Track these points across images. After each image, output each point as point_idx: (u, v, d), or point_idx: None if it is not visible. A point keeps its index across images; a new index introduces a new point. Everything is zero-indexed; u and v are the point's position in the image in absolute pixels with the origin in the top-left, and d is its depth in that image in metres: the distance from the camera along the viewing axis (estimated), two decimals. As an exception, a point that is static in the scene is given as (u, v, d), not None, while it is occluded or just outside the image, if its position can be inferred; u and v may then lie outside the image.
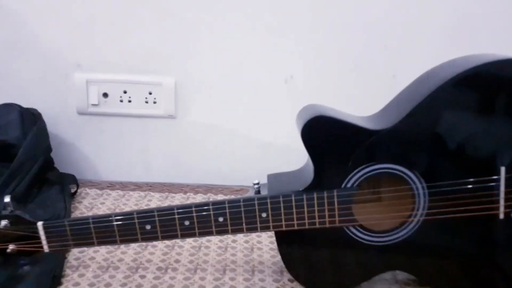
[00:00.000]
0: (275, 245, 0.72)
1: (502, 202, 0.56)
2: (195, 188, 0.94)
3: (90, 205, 0.84)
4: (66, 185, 0.86)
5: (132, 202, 0.87)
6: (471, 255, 0.59)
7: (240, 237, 0.75)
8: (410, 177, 0.56)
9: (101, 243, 0.58)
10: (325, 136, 0.56)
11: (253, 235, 0.75)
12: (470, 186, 0.56)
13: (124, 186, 0.93)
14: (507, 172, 0.55)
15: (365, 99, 0.65)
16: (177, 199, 0.89)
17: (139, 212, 0.57)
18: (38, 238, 0.58)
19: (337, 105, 0.62)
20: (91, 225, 0.57)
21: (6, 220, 0.58)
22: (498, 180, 0.56)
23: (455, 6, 0.88)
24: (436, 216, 0.57)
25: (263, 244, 0.73)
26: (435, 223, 0.57)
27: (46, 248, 0.58)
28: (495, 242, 0.59)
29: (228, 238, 0.74)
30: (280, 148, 0.94)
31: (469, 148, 0.56)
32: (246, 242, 0.73)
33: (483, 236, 0.58)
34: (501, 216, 0.56)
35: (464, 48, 0.65)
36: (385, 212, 0.58)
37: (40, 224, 0.58)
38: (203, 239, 0.73)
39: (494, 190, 0.56)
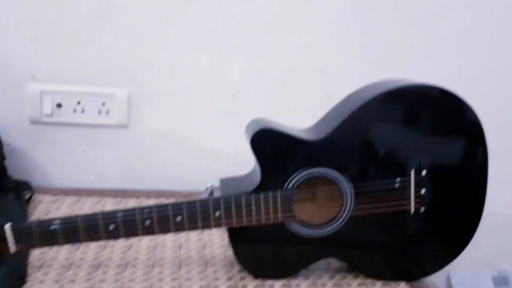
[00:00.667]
0: (225, 242, 0.80)
1: (412, 198, 0.69)
2: (147, 193, 1.00)
3: (46, 210, 0.88)
4: (21, 192, 0.89)
5: (87, 208, 0.91)
6: (390, 245, 0.71)
7: (192, 236, 0.82)
8: (339, 179, 0.67)
9: (66, 242, 0.63)
10: (270, 145, 0.65)
11: (205, 234, 0.83)
12: (387, 185, 0.68)
13: (78, 192, 0.97)
14: (415, 174, 0.68)
15: (302, 114, 0.76)
16: (131, 204, 0.94)
17: (103, 213, 0.63)
18: (5, 240, 0.62)
19: (278, 117, 0.72)
20: (58, 226, 0.62)
21: (-28, 224, 0.61)
22: (409, 181, 0.68)
23: (380, 34, 1.02)
24: (360, 211, 0.68)
25: (214, 242, 0.81)
26: (360, 217, 0.68)
27: (12, 249, 0.62)
28: (408, 233, 0.71)
29: (182, 237, 0.81)
30: (228, 155, 1.03)
31: (386, 154, 0.67)
32: (199, 240, 0.81)
33: (399, 227, 0.70)
34: (412, 210, 0.69)
35: (386, 72, 0.78)
36: (320, 208, 0.69)
37: (7, 226, 0.62)
38: (159, 239, 0.80)
39: (406, 188, 0.68)
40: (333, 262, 0.75)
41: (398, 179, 0.68)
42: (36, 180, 0.97)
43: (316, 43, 1.01)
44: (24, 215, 0.81)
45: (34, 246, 0.63)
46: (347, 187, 0.67)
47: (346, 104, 0.69)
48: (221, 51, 0.99)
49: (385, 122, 0.67)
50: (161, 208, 0.64)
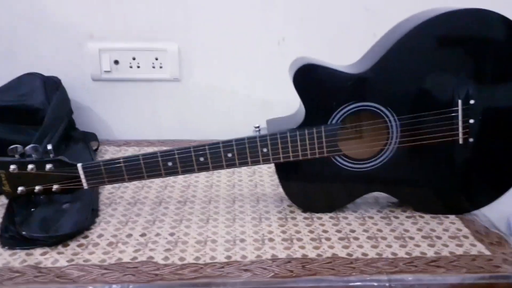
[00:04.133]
0: (275, 182, 0.84)
1: (460, 129, 0.68)
2: (201, 143, 1.05)
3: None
4: (89, 142, 0.98)
5: (147, 156, 0.98)
6: (438, 177, 0.71)
7: (245, 177, 0.87)
8: (384, 112, 0.68)
9: (131, 179, 0.70)
10: (312, 81, 0.67)
11: (256, 174, 0.88)
12: (433, 117, 0.67)
13: (138, 143, 1.05)
14: (463, 104, 0.67)
15: (350, 57, 0.76)
16: (187, 152, 1.01)
17: (161, 151, 0.69)
18: (78, 177, 0.69)
19: (325, 60, 0.73)
20: (122, 164, 0.69)
21: (51, 164, 0.69)
22: (456, 111, 0.67)
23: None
24: (407, 144, 0.69)
25: (265, 181, 0.85)
26: (407, 150, 0.69)
27: (85, 186, 0.70)
28: (457, 165, 0.71)
29: (235, 177, 0.86)
30: (275, 104, 1.06)
31: (432, 86, 0.67)
32: (250, 180, 0.86)
33: (448, 160, 0.70)
34: (461, 141, 0.69)
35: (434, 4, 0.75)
36: (365, 142, 0.70)
37: (79, 165, 0.69)
38: (214, 179, 0.85)
39: (454, 119, 0.68)
40: (381, 197, 0.77)
41: (445, 110, 0.67)
42: (100, 133, 1.05)
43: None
44: (93, 161, 0.89)
45: (103, 183, 0.70)
46: (392, 120, 0.68)
47: (388, 37, 0.69)
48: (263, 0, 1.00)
49: (430, 51, 0.66)
50: (213, 145, 0.69)
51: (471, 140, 0.68)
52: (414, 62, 0.66)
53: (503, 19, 0.64)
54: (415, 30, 0.64)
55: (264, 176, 0.88)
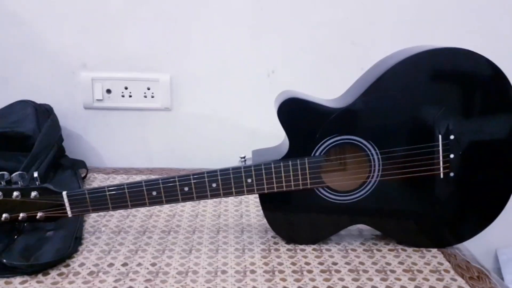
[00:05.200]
0: (261, 212, 0.84)
1: (441, 164, 0.69)
2: (191, 172, 1.05)
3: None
4: (77, 169, 0.98)
5: (136, 184, 0.99)
6: (420, 210, 0.71)
7: (231, 206, 0.87)
8: (366, 146, 0.69)
9: (115, 208, 0.70)
10: (296, 114, 0.69)
11: (242, 205, 0.88)
12: (414, 151, 0.69)
13: (127, 171, 1.05)
14: (443, 139, 0.68)
15: (337, 90, 0.78)
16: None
17: (146, 181, 0.70)
18: (63, 205, 0.69)
19: (312, 93, 0.75)
20: (107, 193, 0.69)
21: (36, 191, 0.69)
22: (437, 146, 0.69)
23: (410, 4, 1.02)
24: (388, 177, 0.70)
25: (251, 212, 0.85)
26: (389, 183, 0.70)
27: (69, 214, 0.70)
28: (439, 199, 0.71)
29: (221, 207, 0.87)
30: (263, 133, 1.07)
31: (413, 121, 0.68)
32: (236, 210, 0.86)
33: (430, 193, 0.71)
34: (441, 175, 0.70)
35: (420, 41, 0.78)
36: (348, 175, 0.71)
37: (64, 193, 0.69)
38: (200, 209, 0.86)
39: (434, 154, 0.69)
40: (365, 229, 0.77)
41: (425, 144, 0.68)
42: (89, 160, 1.06)
43: (349, 17, 1.02)
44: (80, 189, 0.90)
45: (88, 211, 0.70)
46: (374, 153, 0.69)
47: (372, 71, 0.71)
48: (254, 33, 1.03)
49: (411, 87, 0.68)
50: (198, 175, 0.70)
51: (451, 174, 0.69)
52: (395, 97, 0.68)
53: (483, 59, 0.66)
54: (398, 65, 0.66)
55: (250, 206, 0.88)
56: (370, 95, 0.68)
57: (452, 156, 0.68)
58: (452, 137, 0.68)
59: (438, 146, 0.69)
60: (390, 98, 0.68)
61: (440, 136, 0.68)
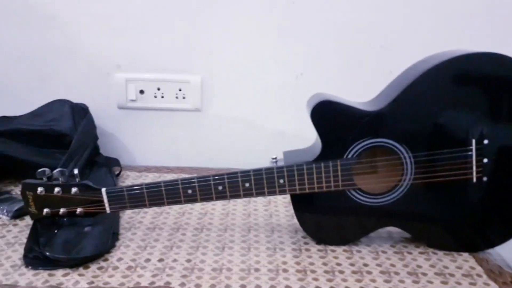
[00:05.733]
0: (290, 213, 0.86)
1: (474, 168, 0.69)
2: (218, 171, 1.07)
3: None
4: (111, 167, 1.01)
5: (166, 183, 1.01)
6: (452, 215, 0.72)
7: (260, 206, 0.89)
8: (399, 149, 0.70)
9: (152, 205, 0.72)
10: (329, 116, 0.70)
11: (271, 205, 0.89)
12: (448, 155, 0.69)
13: (158, 169, 1.08)
14: (476, 143, 0.68)
15: (366, 94, 0.79)
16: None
17: (182, 179, 0.72)
18: (102, 201, 0.72)
19: (341, 95, 0.76)
20: (144, 190, 0.72)
21: (76, 188, 0.72)
22: (471, 150, 0.69)
23: (440, 7, 1.02)
24: (421, 180, 0.70)
25: (280, 212, 0.87)
26: (421, 186, 0.70)
27: (108, 210, 0.73)
28: (471, 203, 0.71)
29: (250, 207, 0.88)
30: (291, 136, 1.09)
31: (446, 125, 0.68)
32: (266, 210, 0.87)
33: (462, 197, 0.71)
34: (474, 180, 0.70)
35: (448, 45, 0.78)
36: (380, 177, 0.72)
37: (103, 190, 0.72)
38: (230, 208, 0.87)
39: (468, 158, 0.69)
40: (394, 232, 0.78)
41: (459, 149, 0.69)
42: (122, 158, 1.09)
43: (375, 19, 1.03)
44: (115, 186, 0.93)
45: (125, 207, 0.73)
46: (407, 157, 0.69)
47: (405, 75, 0.71)
48: (283, 35, 1.04)
49: (445, 91, 0.68)
50: (231, 174, 0.71)
51: (485, 179, 0.69)
52: (429, 101, 0.68)
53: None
54: (432, 70, 0.67)
55: (279, 207, 0.89)
56: (404, 98, 0.68)
57: (485, 160, 0.68)
58: (486, 141, 0.68)
59: (472, 151, 0.69)
60: (423, 102, 0.68)
61: (473, 141, 0.68)
